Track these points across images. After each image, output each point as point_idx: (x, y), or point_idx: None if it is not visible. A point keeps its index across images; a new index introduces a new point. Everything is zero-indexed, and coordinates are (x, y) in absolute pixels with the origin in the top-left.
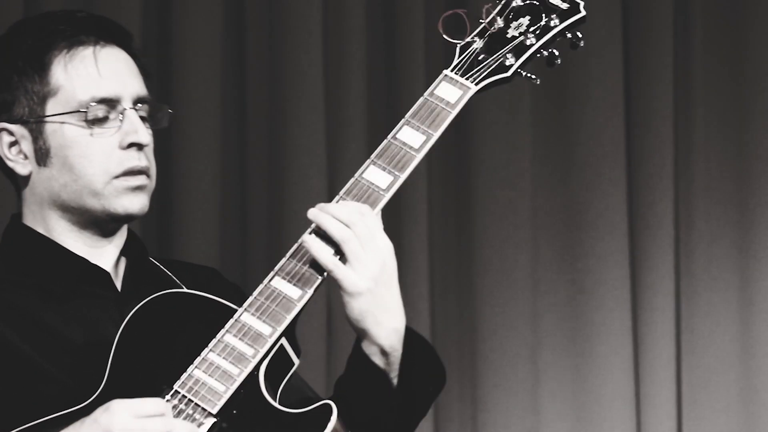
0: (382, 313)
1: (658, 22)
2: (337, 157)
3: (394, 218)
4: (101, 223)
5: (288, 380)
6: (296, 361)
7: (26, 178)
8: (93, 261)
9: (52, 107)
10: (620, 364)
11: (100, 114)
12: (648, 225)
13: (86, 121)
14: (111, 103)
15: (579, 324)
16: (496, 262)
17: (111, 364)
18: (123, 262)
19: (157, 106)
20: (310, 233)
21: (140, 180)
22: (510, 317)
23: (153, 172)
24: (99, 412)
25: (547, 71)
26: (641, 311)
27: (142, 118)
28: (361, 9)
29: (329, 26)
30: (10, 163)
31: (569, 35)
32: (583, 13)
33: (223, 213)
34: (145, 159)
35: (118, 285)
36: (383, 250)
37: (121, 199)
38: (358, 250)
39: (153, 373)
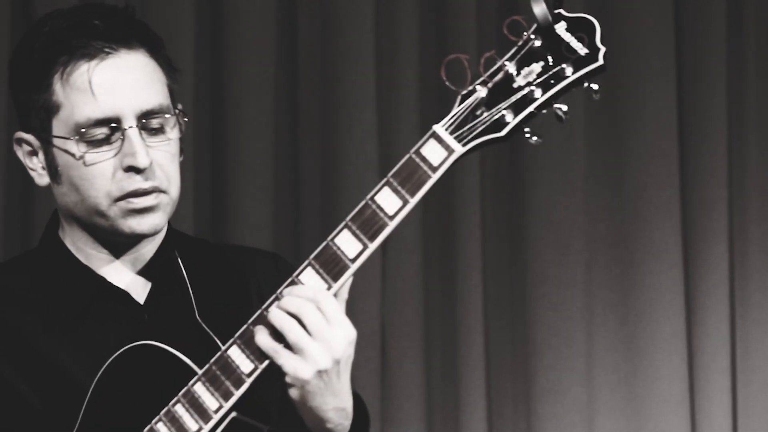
0: (328, 397)
1: (711, 46)
2: (389, 154)
3: (449, 236)
4: (116, 239)
5: None
6: (263, 429)
7: (48, 189)
8: (114, 275)
9: (56, 126)
10: (674, 371)
11: (100, 136)
12: (703, 236)
13: (86, 142)
14: (111, 122)
15: (634, 336)
16: (550, 281)
17: (85, 407)
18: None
19: (171, 114)
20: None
21: (147, 201)
22: (564, 333)
23: (169, 184)
24: None
25: (603, 87)
26: (695, 321)
27: (154, 131)
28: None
29: (382, 20)
30: (31, 173)
31: (585, 85)
32: (602, 62)
33: (276, 211)
34: (149, 180)
35: (144, 295)
36: (337, 338)
37: (127, 220)
38: (303, 341)
39: (117, 425)
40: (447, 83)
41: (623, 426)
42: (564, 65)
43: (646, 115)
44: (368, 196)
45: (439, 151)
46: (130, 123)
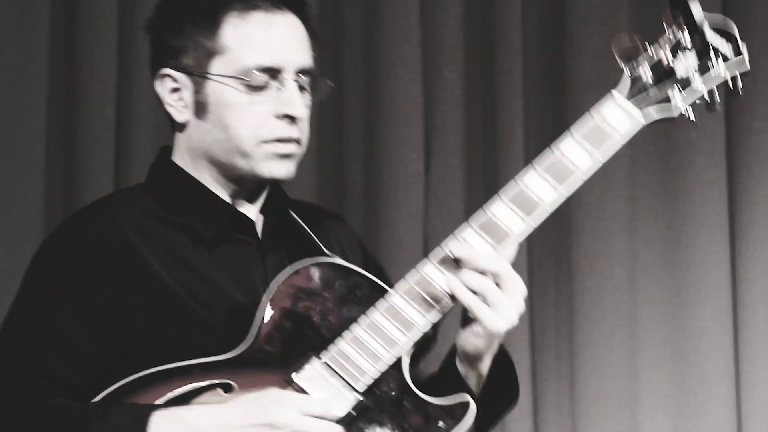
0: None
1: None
2: (434, 149)
3: None
4: (247, 181)
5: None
6: (433, 343)
7: (183, 125)
8: (239, 208)
9: (217, 65)
10: (721, 362)
11: (262, 81)
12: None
13: (248, 86)
14: (273, 71)
15: (678, 329)
16: (596, 270)
17: (260, 320)
18: (261, 214)
19: (317, 78)
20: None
21: (289, 148)
22: (608, 325)
23: (305, 140)
24: (269, 401)
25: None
26: (741, 311)
27: (301, 88)
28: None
29: (426, 15)
30: (169, 108)
31: (731, 86)
32: (748, 67)
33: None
34: (296, 130)
35: (259, 233)
36: (521, 298)
37: (268, 163)
38: (502, 300)
39: (300, 337)
40: (618, 59)
41: (669, 396)
42: (718, 63)
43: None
44: (552, 146)
45: (623, 118)
46: (290, 75)
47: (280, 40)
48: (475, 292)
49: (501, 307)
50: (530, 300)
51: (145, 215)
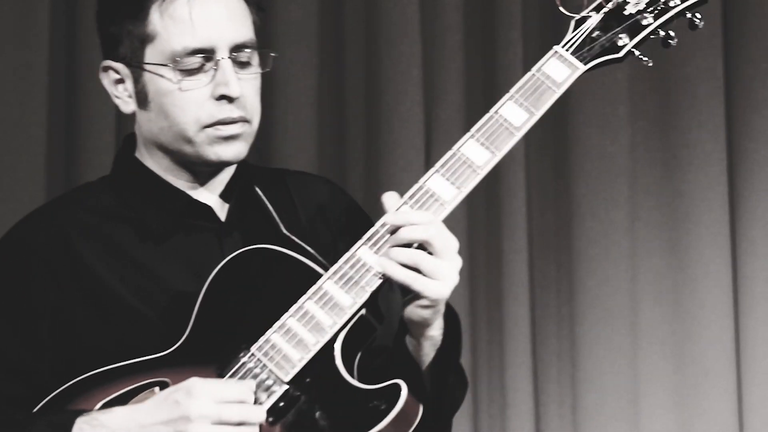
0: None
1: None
2: (435, 138)
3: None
4: (198, 166)
5: (367, 348)
6: (377, 327)
7: (133, 116)
8: (195, 197)
9: (150, 54)
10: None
11: (195, 65)
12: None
13: (180, 71)
14: (206, 52)
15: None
16: (597, 259)
17: (196, 314)
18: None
19: (259, 50)
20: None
21: (233, 129)
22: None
23: (253, 116)
24: (180, 394)
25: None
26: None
27: (242, 64)
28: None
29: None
30: (116, 100)
31: (688, 15)
32: None
33: None
34: (238, 109)
35: (223, 216)
36: (456, 253)
37: (213, 147)
38: (438, 266)
39: (233, 329)
40: (561, 8)
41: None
42: None
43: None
44: (492, 110)
45: (562, 69)
46: (223, 54)
47: (208, 19)
48: (408, 266)
49: (438, 273)
50: (531, 302)
51: (93, 214)
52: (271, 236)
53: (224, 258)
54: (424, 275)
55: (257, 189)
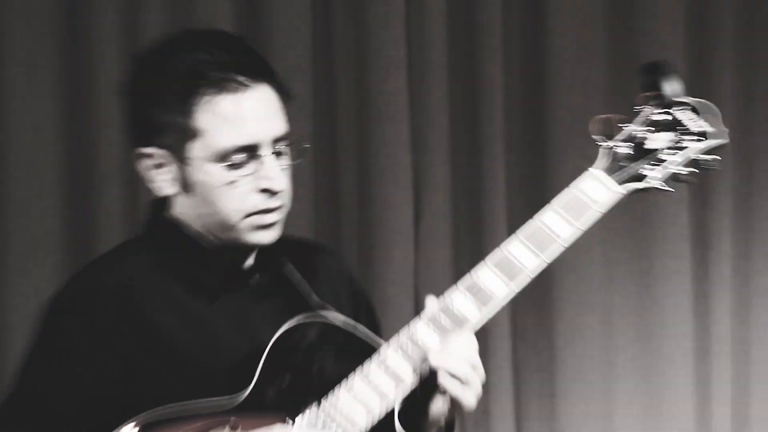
0: None
1: None
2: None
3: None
4: (235, 248)
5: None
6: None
7: (174, 196)
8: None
9: (196, 148)
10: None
11: (240, 159)
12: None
13: (227, 166)
14: (251, 148)
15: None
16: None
17: (261, 368)
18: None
19: (295, 141)
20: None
21: (273, 217)
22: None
23: (287, 202)
24: None
25: None
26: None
27: (279, 154)
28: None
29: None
30: (154, 184)
31: (711, 157)
32: (726, 140)
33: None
34: (278, 200)
35: (254, 281)
36: (481, 366)
37: (253, 234)
38: (474, 380)
39: (299, 388)
40: (594, 137)
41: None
42: (692, 141)
43: None
44: (535, 217)
45: (601, 191)
46: (267, 150)
47: (253, 117)
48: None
49: (474, 386)
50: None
51: (149, 268)
52: (306, 305)
53: (265, 321)
54: (464, 385)
55: (286, 260)
